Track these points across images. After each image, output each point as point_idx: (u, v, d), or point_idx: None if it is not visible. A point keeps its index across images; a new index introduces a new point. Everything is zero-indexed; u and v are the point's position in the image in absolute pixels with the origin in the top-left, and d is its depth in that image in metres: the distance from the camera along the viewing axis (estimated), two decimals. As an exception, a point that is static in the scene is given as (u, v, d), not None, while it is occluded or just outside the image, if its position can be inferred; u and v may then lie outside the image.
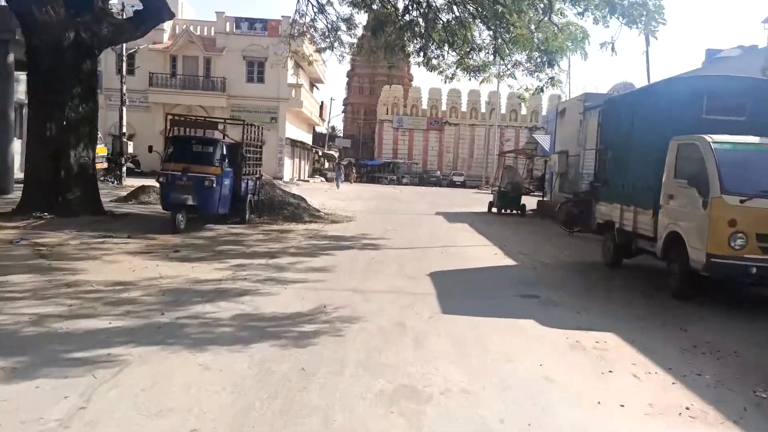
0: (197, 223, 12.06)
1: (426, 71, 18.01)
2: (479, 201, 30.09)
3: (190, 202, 11.08)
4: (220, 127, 13.55)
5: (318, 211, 16.19)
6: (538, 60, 12.49)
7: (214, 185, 11.40)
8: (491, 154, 58.73)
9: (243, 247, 10.01)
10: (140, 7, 14.72)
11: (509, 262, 9.86)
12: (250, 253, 9.43)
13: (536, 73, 13.81)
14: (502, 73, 14.72)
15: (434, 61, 16.75)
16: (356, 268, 8.55)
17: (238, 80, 36.58)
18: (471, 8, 14.04)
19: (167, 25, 36.69)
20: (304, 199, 16.44)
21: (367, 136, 68.80)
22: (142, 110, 36.42)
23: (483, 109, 62.40)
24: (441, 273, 8.44)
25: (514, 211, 20.75)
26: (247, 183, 13.22)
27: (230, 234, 11.54)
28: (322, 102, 49.32)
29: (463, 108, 62.60)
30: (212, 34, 37.03)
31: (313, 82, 50.04)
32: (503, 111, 60.75)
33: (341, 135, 76.47)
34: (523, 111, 62.67)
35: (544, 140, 47.56)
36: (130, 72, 36.53)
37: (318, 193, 28.40)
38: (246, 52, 36.13)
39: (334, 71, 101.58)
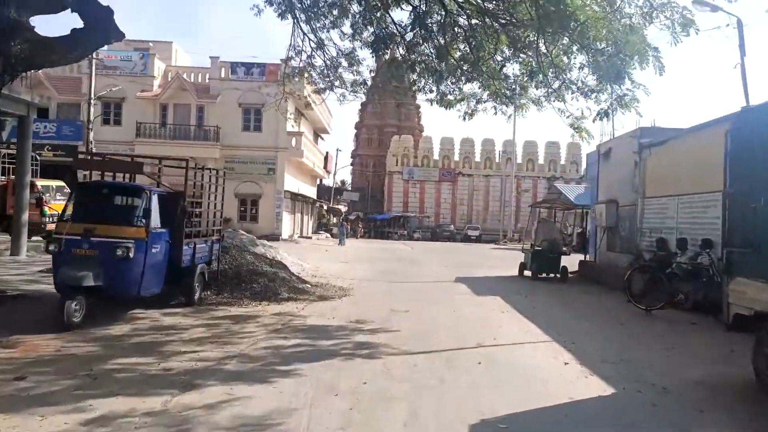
0: (116, 308, 8.23)
1: (439, 108, 14.57)
2: (503, 260, 26.04)
3: (89, 282, 7.24)
4: (147, 169, 9.86)
5: (303, 281, 12.29)
6: (603, 70, 8.77)
7: (132, 255, 7.59)
8: (507, 206, 55.11)
9: (153, 358, 6.06)
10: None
11: (597, 385, 5.79)
12: (153, 375, 5.49)
13: (596, 94, 10.14)
14: (547, 96, 11.05)
15: (450, 97, 13.41)
16: (328, 417, 4.56)
17: (233, 129, 33.57)
18: (494, 23, 10.56)
19: (158, 72, 34.19)
20: (284, 267, 12.56)
21: (376, 189, 65.61)
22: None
23: (498, 159, 59.18)
24: (492, 428, 4.42)
25: (551, 275, 16.80)
26: (194, 249, 9.41)
27: (153, 329, 7.63)
28: (326, 153, 46.31)
29: (477, 158, 59.46)
30: (206, 80, 34.37)
31: (318, 132, 47.19)
32: (519, 160, 57.47)
33: (350, 188, 73.52)
34: (540, 160, 59.57)
35: (568, 190, 43.80)
36: (117, 122, 33.92)
37: (317, 253, 24.59)
38: (242, 99, 33.29)
39: (341, 121, 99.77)
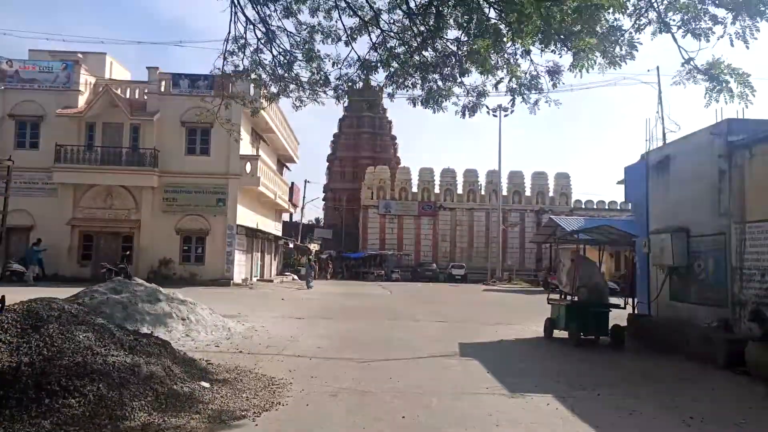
0: None
1: (423, 110, 9.72)
2: (506, 307, 20.74)
3: None
4: None
5: (199, 374, 6.74)
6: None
7: None
8: (494, 242, 50.17)
9: None
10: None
11: None
12: None
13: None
14: (635, 30, 5.93)
15: (441, 88, 8.76)
16: None
17: (175, 152, 28.07)
18: None
19: (85, 86, 28.69)
20: (163, 349, 6.97)
21: (351, 225, 60.16)
22: (46, 194, 27.58)
23: (482, 191, 54.53)
24: None
25: (593, 336, 11.56)
26: None
27: None
28: (292, 183, 41.01)
29: (459, 190, 54.71)
30: (145, 98, 29.00)
31: (283, 161, 41.98)
32: (504, 192, 52.86)
33: (322, 225, 68.04)
34: (527, 192, 55.08)
35: (565, 223, 38.98)
36: (33, 144, 28.18)
37: (269, 303, 18.98)
38: (186, 116, 27.83)
39: (311, 152, 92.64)
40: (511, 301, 24.64)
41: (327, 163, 69.68)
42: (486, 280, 45.50)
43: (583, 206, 54.39)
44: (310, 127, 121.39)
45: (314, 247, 56.35)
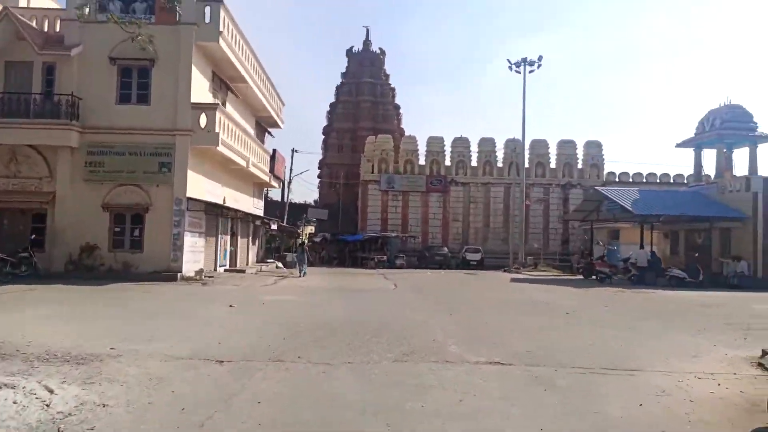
0: None
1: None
2: (566, 310, 13.46)
3: None
4: None
5: None
6: None
7: None
8: (515, 221, 42.96)
9: None
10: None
11: None
12: None
13: None
14: None
15: None
16: None
17: (103, 100, 20.80)
18: None
19: (-19, 12, 21.21)
20: None
21: (349, 205, 53.03)
22: (-72, 157, 20.36)
23: (500, 163, 47.16)
24: None
25: None
26: None
27: None
28: (274, 150, 33.60)
29: (474, 162, 47.31)
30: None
31: (263, 124, 34.63)
32: (526, 165, 45.33)
33: (317, 206, 60.94)
34: (552, 164, 47.61)
35: (617, 194, 31.54)
36: None
37: (204, 314, 11.87)
38: (117, 51, 20.57)
39: (303, 124, 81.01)
40: (564, 300, 17.48)
41: (323, 136, 62.39)
42: (507, 266, 38.40)
43: (617, 179, 47.04)
44: (306, 100, 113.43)
45: (309, 229, 49.50)
